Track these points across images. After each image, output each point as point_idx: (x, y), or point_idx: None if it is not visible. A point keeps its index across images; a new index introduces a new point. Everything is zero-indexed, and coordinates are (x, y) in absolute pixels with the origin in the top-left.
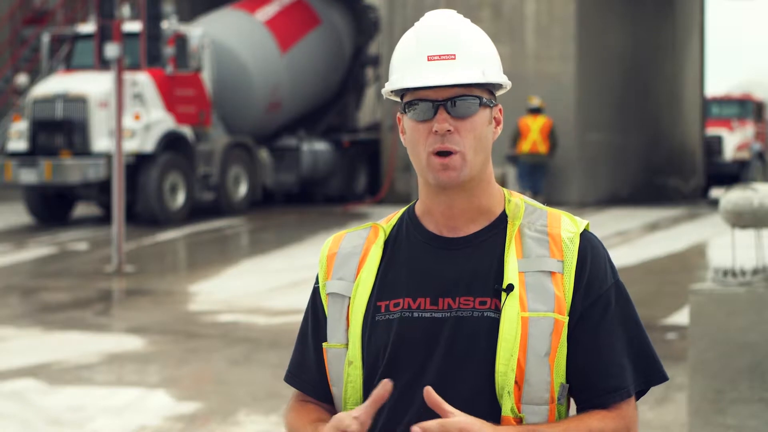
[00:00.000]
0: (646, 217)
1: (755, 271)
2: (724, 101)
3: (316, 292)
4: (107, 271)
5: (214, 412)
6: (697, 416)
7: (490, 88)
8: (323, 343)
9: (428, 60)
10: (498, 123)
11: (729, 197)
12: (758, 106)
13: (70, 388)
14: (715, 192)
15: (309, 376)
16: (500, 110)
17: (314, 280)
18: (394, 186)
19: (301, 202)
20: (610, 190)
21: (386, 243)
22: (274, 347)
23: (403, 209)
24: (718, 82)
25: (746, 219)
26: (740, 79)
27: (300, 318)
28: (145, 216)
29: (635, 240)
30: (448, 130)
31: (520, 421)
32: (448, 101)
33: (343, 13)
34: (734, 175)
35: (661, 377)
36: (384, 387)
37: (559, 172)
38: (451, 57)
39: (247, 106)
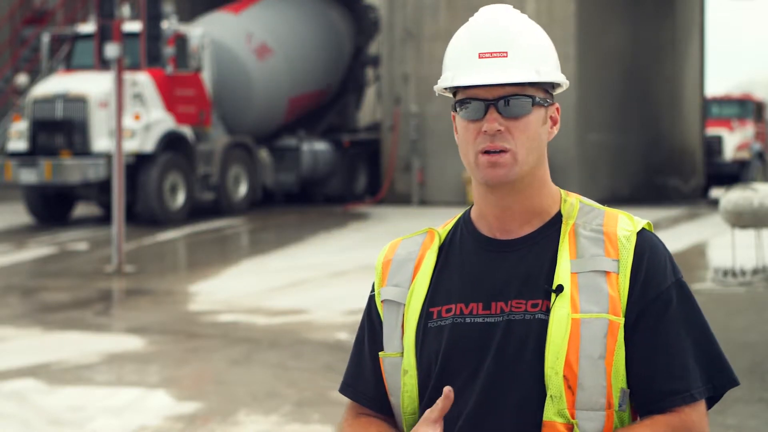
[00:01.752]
0: (646, 217)
1: (755, 271)
2: (724, 101)
3: (371, 300)
4: (107, 271)
5: (214, 412)
6: None
7: (545, 86)
8: (380, 353)
9: (479, 57)
10: (555, 122)
11: (729, 197)
12: (758, 106)
13: (70, 388)
14: (715, 192)
15: (364, 387)
16: (557, 109)
17: (323, 277)
18: (394, 186)
19: (301, 202)
20: (610, 190)
21: (441, 248)
22: (274, 347)
23: (460, 213)
24: (718, 82)
25: (746, 219)
26: (740, 79)
27: (301, 318)
28: (145, 216)
29: None
30: (498, 130)
31: (571, 427)
32: (500, 100)
33: (343, 13)
34: (734, 175)
35: (732, 382)
36: (448, 397)
37: (559, 172)
38: (503, 55)
39: (234, 70)
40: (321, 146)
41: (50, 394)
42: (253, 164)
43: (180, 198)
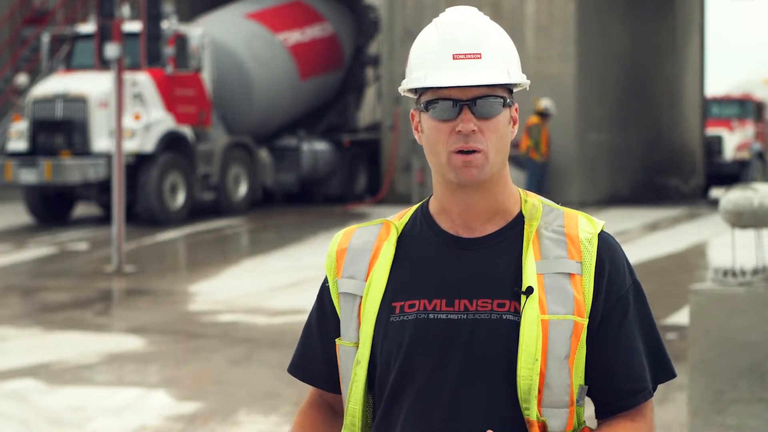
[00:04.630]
0: (646, 217)
1: (755, 271)
2: (724, 101)
3: (325, 290)
4: (107, 271)
5: (214, 412)
6: (697, 416)
7: (510, 87)
8: (336, 339)
9: (454, 58)
10: (515, 122)
11: (729, 197)
12: (758, 106)
13: (70, 388)
14: (715, 192)
15: (314, 367)
16: (516, 109)
17: (323, 277)
18: (394, 186)
19: (301, 202)
20: (610, 190)
21: (399, 241)
22: (274, 347)
23: (415, 206)
24: (718, 82)
25: (746, 219)
26: (740, 79)
27: (301, 318)
28: (145, 216)
29: (635, 240)
30: (473, 130)
31: (543, 425)
32: (473, 101)
33: (343, 13)
34: (734, 175)
35: (671, 374)
36: None
37: (559, 172)
38: (477, 56)
39: None
40: (321, 146)
41: (50, 394)
42: (253, 164)
43: (180, 198)
